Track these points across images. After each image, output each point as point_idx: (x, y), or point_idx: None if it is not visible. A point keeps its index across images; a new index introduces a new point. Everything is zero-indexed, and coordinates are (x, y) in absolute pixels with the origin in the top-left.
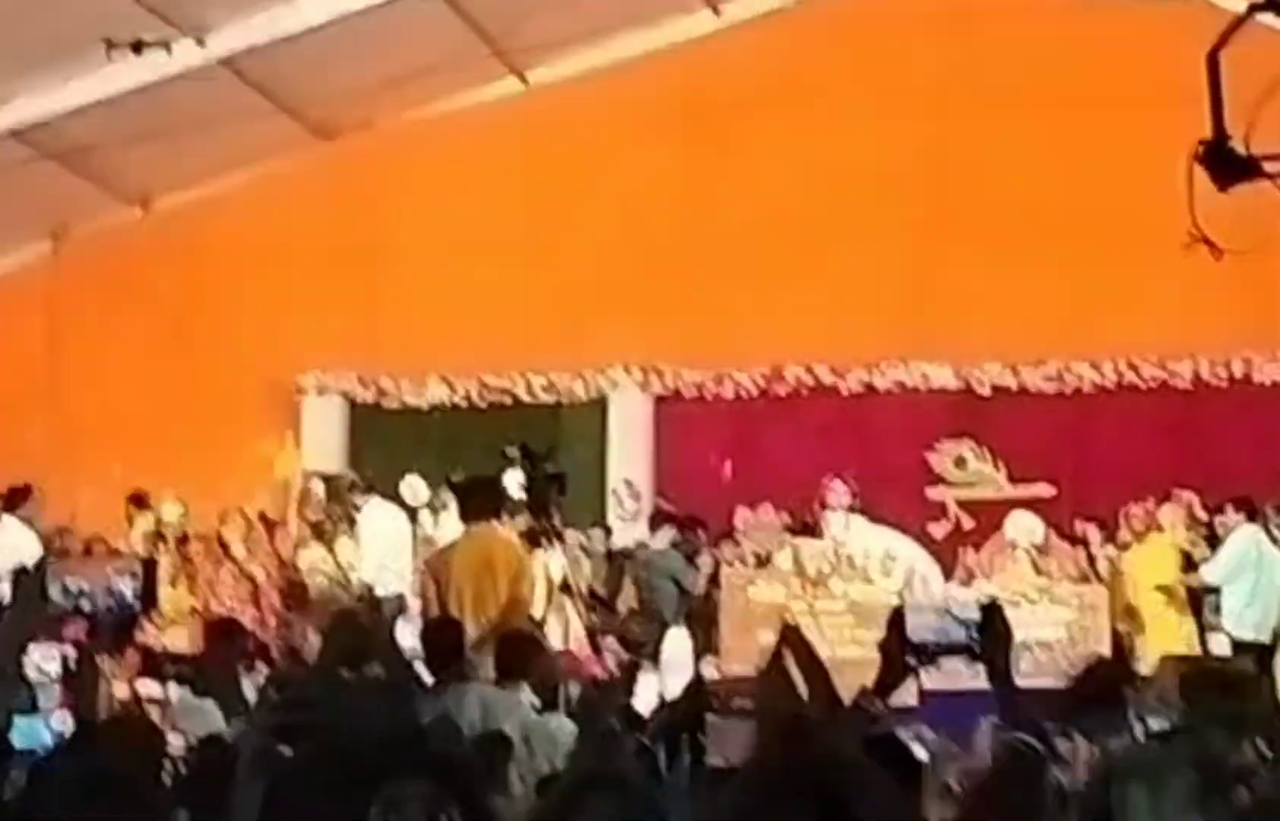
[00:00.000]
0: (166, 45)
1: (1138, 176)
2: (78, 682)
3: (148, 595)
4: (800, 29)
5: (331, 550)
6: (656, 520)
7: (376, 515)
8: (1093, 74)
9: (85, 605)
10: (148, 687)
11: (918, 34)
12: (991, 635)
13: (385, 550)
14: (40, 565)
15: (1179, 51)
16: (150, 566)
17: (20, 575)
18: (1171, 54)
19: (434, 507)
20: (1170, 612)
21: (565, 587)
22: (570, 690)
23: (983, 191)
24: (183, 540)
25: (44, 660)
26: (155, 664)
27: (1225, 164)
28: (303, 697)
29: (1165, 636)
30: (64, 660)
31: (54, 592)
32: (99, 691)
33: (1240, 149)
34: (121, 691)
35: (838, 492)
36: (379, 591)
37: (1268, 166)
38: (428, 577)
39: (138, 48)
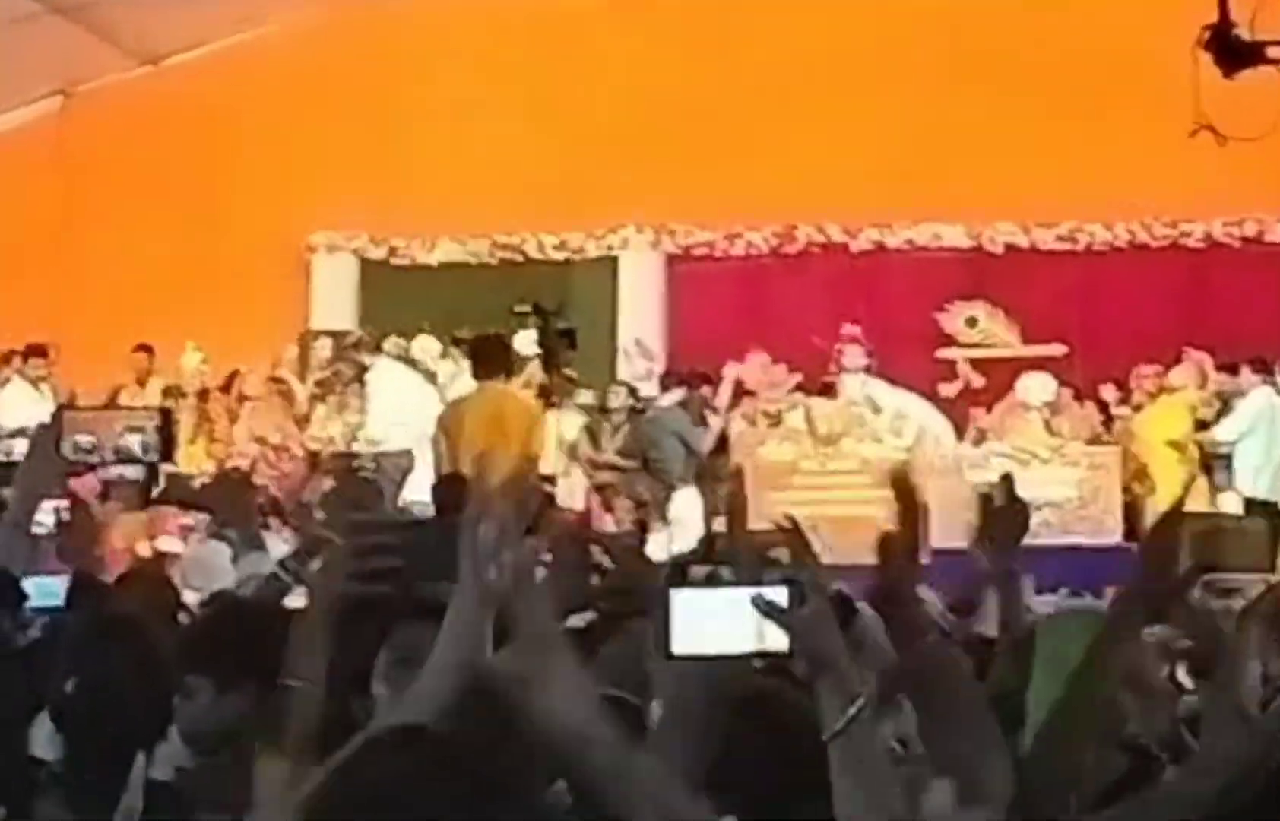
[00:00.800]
0: None
1: (1153, 35)
2: (74, 536)
3: (165, 448)
4: None
5: (339, 409)
6: (667, 380)
7: (384, 373)
8: None
9: (97, 459)
10: (167, 543)
11: None
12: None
13: (393, 408)
14: (55, 420)
15: None
16: (167, 418)
17: (38, 431)
18: None
19: (445, 363)
20: (1182, 472)
21: (578, 445)
22: None
23: (996, 50)
24: (202, 394)
25: (42, 514)
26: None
27: (1230, 50)
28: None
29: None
30: (57, 512)
31: (67, 448)
32: (98, 546)
33: (1245, 35)
34: (143, 549)
35: (852, 354)
36: (386, 449)
37: (1271, 52)
38: (439, 433)
39: None
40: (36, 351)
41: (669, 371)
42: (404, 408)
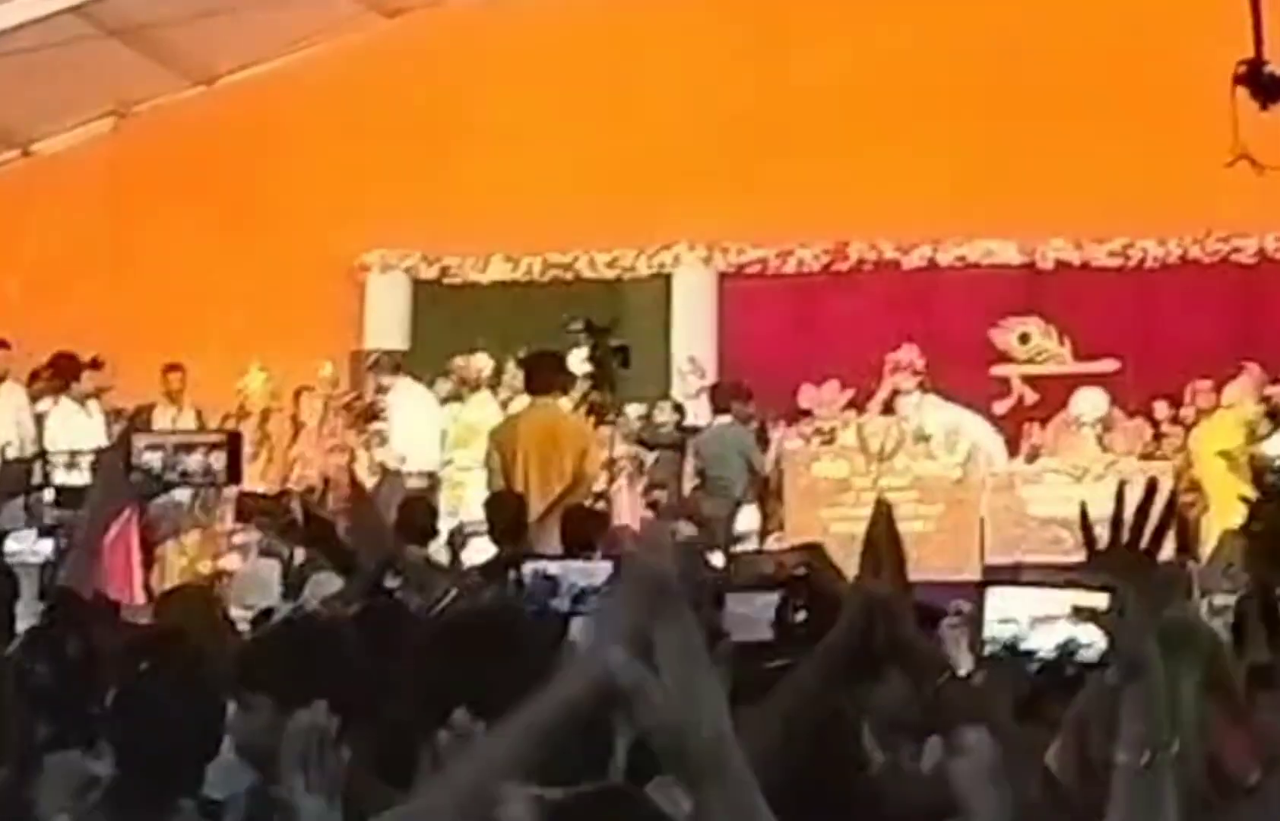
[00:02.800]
0: None
1: (1204, 52)
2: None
3: (233, 471)
4: None
5: (364, 430)
6: (718, 395)
7: (405, 395)
8: None
9: (165, 482)
10: (228, 562)
11: None
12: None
13: (414, 429)
14: (123, 440)
15: None
16: (236, 441)
17: (100, 453)
18: None
19: (493, 385)
20: (1237, 488)
21: (631, 462)
22: None
23: (1048, 66)
24: (264, 415)
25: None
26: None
27: (1265, 85)
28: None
29: (1231, 512)
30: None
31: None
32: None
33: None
34: (205, 568)
35: (905, 372)
36: (407, 469)
37: None
38: (492, 450)
39: None
40: (93, 365)
41: (716, 387)
42: (423, 428)
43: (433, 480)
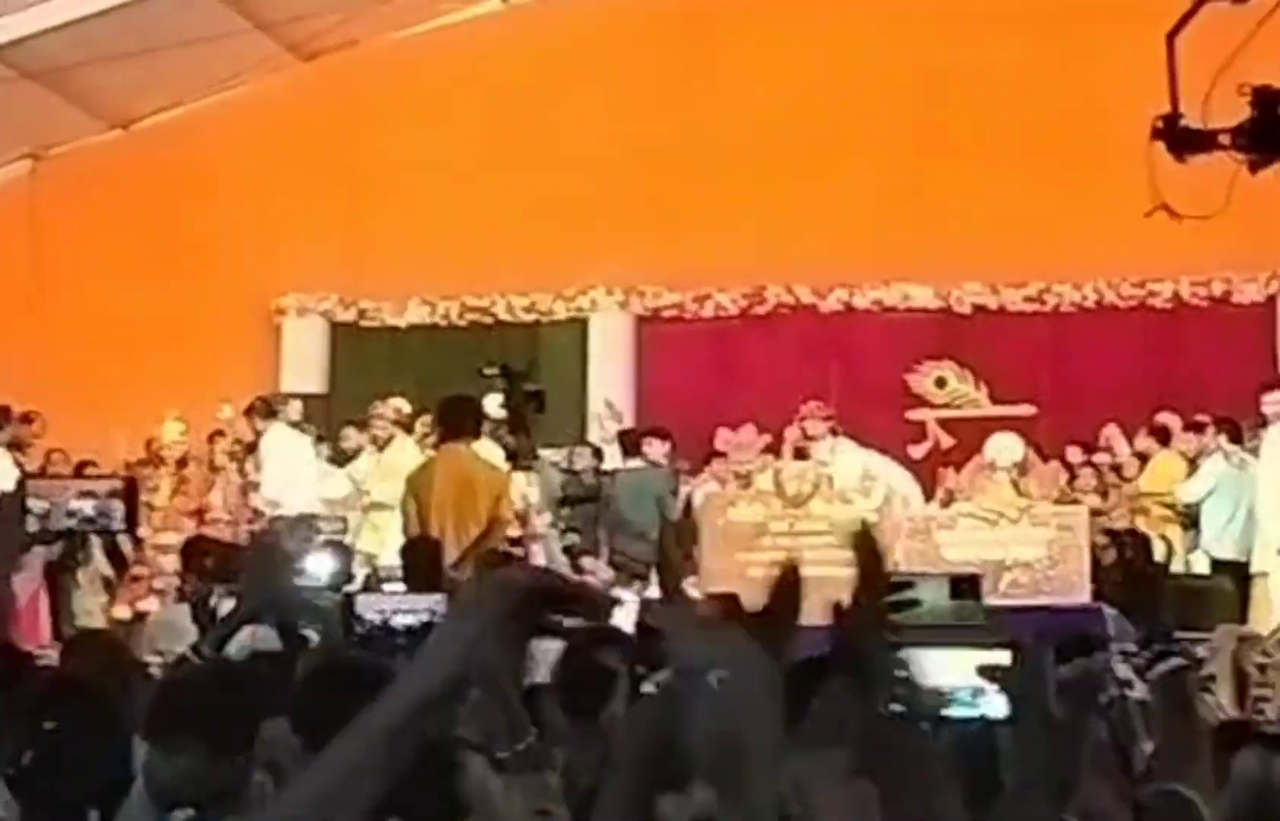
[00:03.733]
0: None
1: (1118, 94)
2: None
3: (130, 516)
4: None
5: (241, 473)
6: (628, 439)
7: (277, 437)
8: None
9: (61, 526)
10: (148, 605)
11: None
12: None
13: (285, 471)
14: (19, 487)
15: None
16: (132, 486)
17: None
18: None
19: (410, 428)
20: (1175, 530)
21: (549, 506)
22: None
23: (964, 110)
24: (182, 461)
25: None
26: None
27: (1180, 138)
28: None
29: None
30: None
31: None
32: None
33: (1194, 123)
34: (122, 612)
35: (814, 424)
36: (282, 512)
37: (1221, 138)
38: (408, 495)
39: None
40: (20, 417)
41: (627, 432)
42: (295, 472)
43: (345, 525)
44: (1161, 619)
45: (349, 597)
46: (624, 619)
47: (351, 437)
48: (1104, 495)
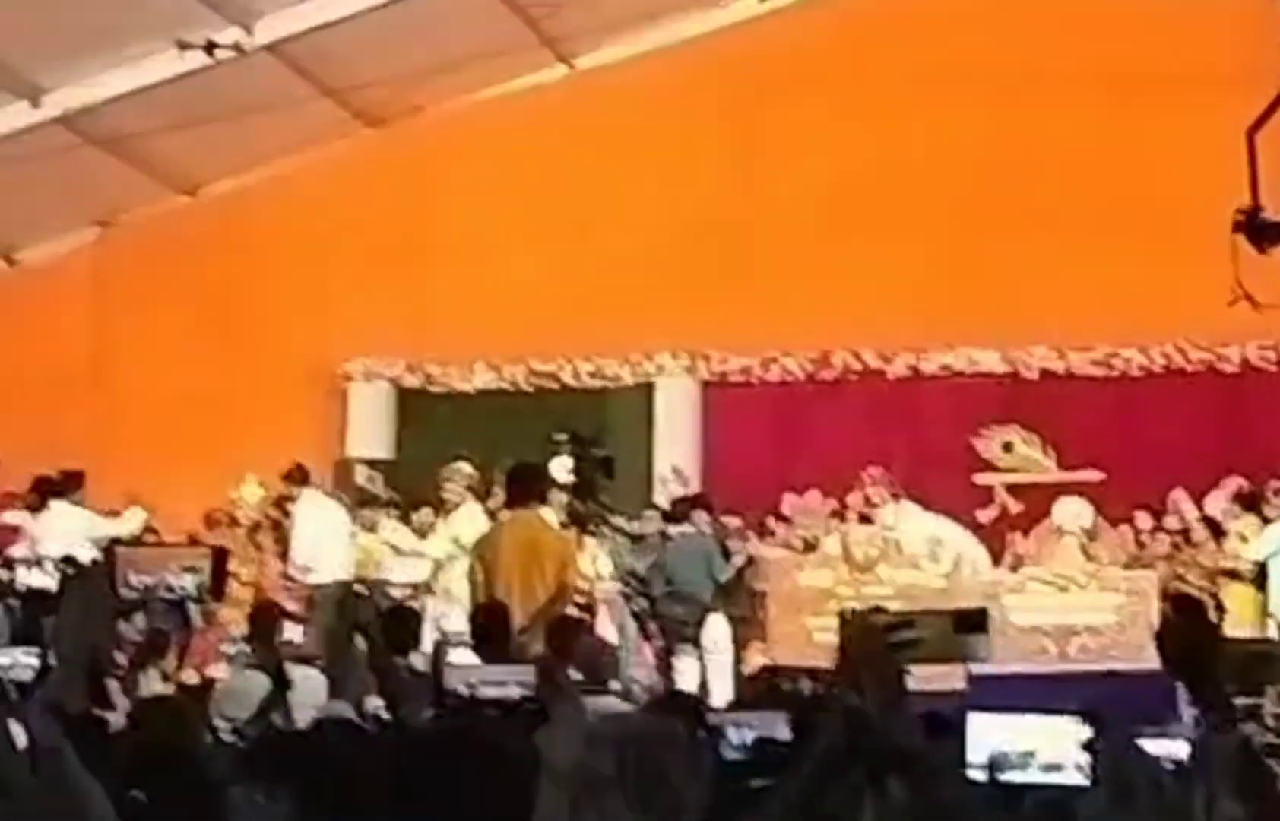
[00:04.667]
0: (238, 47)
1: (1186, 159)
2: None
3: (216, 585)
4: (847, 10)
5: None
6: (677, 506)
7: (308, 506)
8: (1143, 55)
9: (148, 598)
10: (218, 671)
11: (965, 15)
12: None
13: (316, 539)
14: (108, 558)
15: (1232, 33)
16: (221, 557)
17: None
18: (1224, 36)
19: (479, 494)
20: (1249, 592)
21: (617, 572)
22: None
23: (1031, 175)
24: (255, 526)
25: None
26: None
27: (1262, 231)
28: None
29: (1241, 616)
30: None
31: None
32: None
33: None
34: (189, 677)
35: (876, 490)
36: (311, 580)
37: None
38: (475, 563)
39: (210, 49)
40: (73, 479)
41: (681, 499)
42: (326, 539)
43: (417, 590)
44: (1218, 684)
45: (437, 670)
46: (687, 681)
47: (426, 514)
48: (1171, 560)
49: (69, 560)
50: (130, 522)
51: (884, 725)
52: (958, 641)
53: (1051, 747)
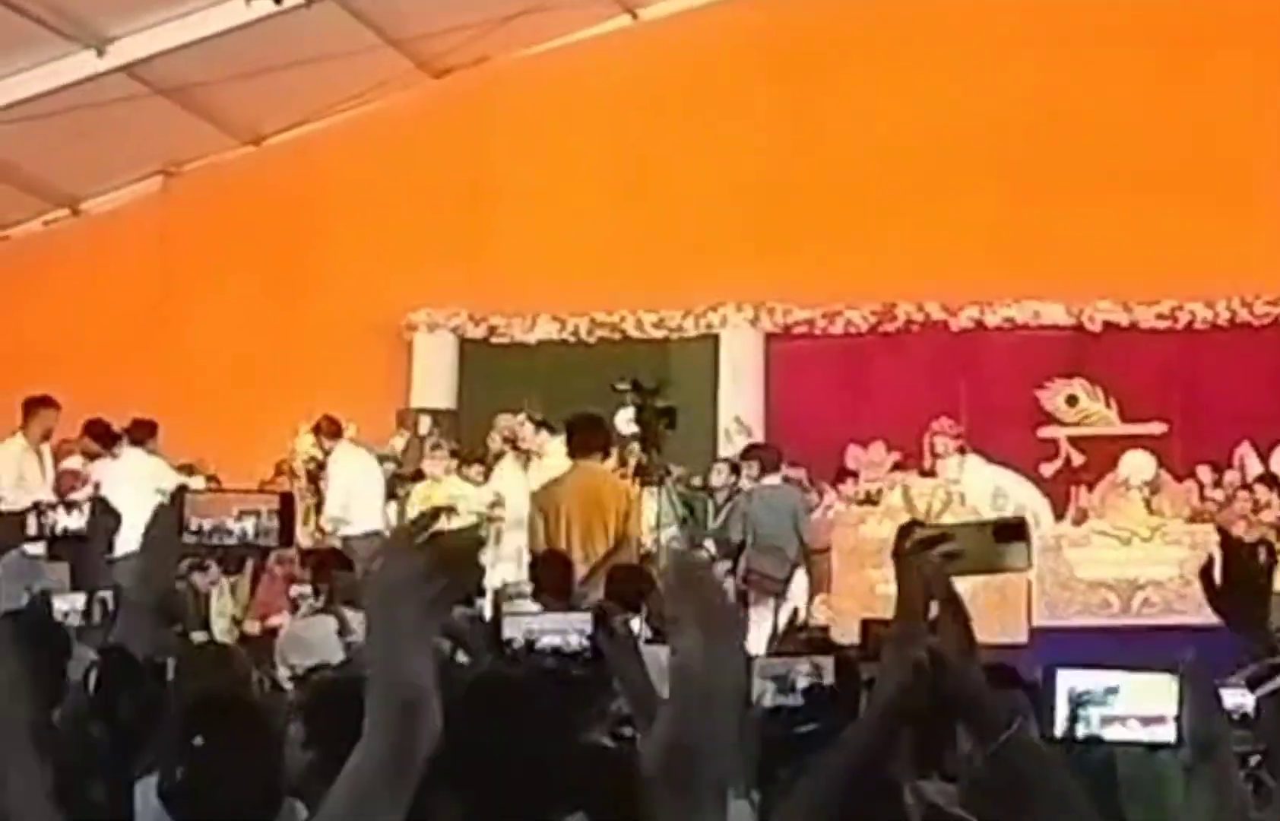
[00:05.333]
0: None
1: (1252, 113)
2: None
3: (285, 530)
4: None
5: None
6: (765, 456)
7: (344, 457)
8: (1207, 10)
9: (216, 542)
10: (280, 621)
11: None
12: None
13: (351, 490)
14: (176, 500)
15: None
16: (288, 502)
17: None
18: None
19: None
20: None
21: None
22: None
23: (1095, 128)
24: (313, 476)
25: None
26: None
27: None
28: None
29: None
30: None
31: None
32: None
33: None
34: (251, 626)
35: (942, 442)
36: (345, 530)
37: None
38: (535, 512)
39: None
40: (145, 427)
41: (765, 448)
42: (360, 491)
43: (380, 540)
44: (1267, 629)
45: (495, 616)
46: (758, 639)
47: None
48: (1229, 511)
49: (102, 502)
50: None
51: (961, 671)
52: (997, 550)
53: (1143, 703)
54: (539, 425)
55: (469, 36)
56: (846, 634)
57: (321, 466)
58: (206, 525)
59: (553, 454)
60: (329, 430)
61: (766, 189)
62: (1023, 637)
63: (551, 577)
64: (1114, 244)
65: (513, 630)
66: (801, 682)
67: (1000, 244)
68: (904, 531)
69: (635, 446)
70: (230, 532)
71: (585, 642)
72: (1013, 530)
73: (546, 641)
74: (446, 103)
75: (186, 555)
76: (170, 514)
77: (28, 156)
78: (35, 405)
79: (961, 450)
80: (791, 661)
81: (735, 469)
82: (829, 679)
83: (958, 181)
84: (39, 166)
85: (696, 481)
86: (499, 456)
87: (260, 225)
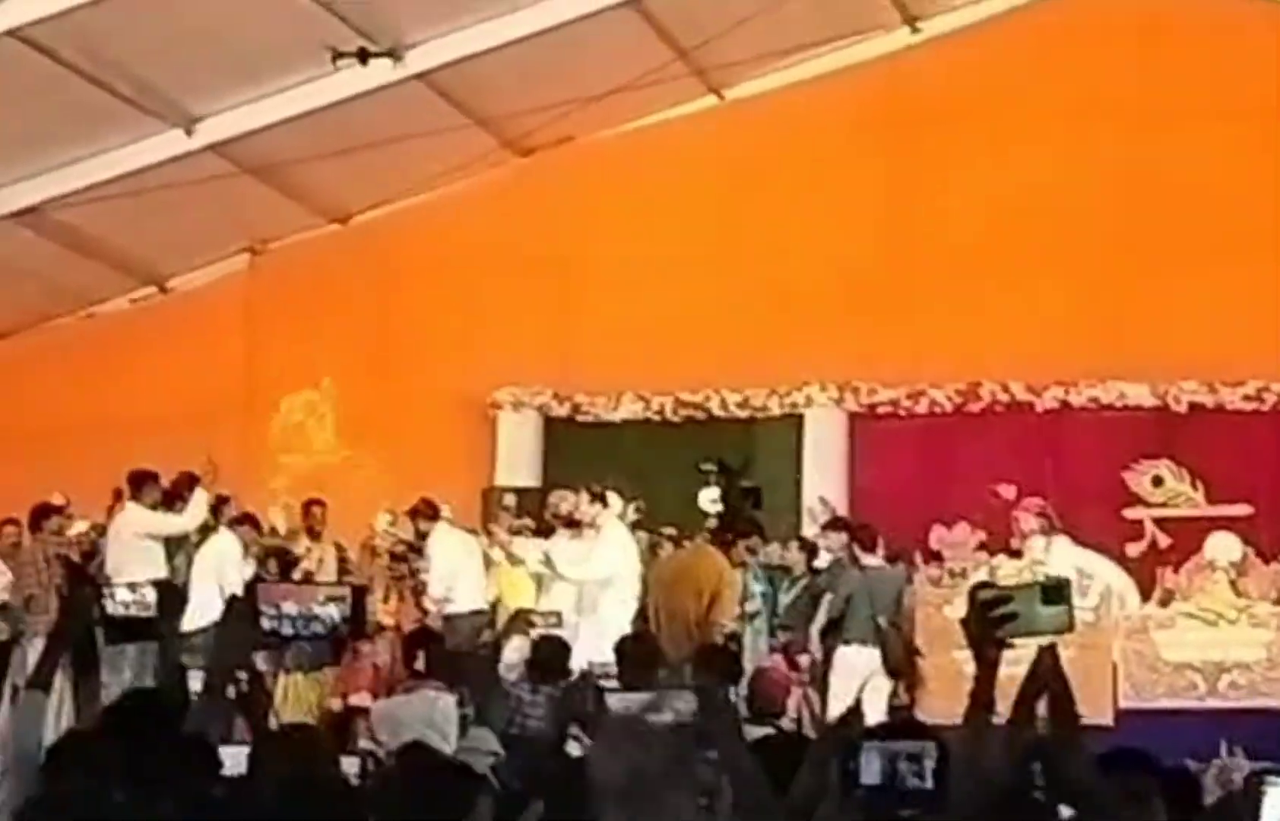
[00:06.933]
0: (391, 53)
1: None
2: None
3: (356, 623)
4: (996, 44)
5: (410, 574)
6: (864, 534)
7: (444, 537)
8: None
9: (290, 631)
10: (360, 700)
11: (1114, 48)
12: None
13: (454, 570)
14: (250, 591)
15: None
16: (360, 594)
17: (233, 601)
18: None
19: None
20: None
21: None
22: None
23: (1181, 208)
24: (395, 555)
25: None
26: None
27: None
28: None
29: None
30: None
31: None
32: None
33: None
34: (335, 704)
35: (1027, 520)
36: (449, 609)
37: None
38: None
39: (363, 58)
40: (221, 502)
41: (864, 527)
42: (463, 568)
43: (559, 620)
44: None
45: (600, 693)
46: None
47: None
48: None
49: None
50: (196, 510)
51: (1066, 758)
52: (1040, 613)
53: None
54: (595, 497)
55: (554, 116)
56: (930, 714)
57: (413, 547)
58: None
59: (610, 525)
60: (426, 512)
61: (850, 269)
62: (1108, 719)
63: (638, 656)
64: (1199, 323)
65: (616, 705)
66: (904, 764)
67: (1085, 324)
68: (974, 592)
69: (720, 525)
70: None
71: (683, 720)
72: (1055, 592)
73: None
74: (532, 181)
75: (259, 645)
76: (245, 606)
77: (116, 234)
78: (143, 479)
79: (1048, 530)
80: (897, 743)
81: (812, 550)
82: (931, 762)
83: (1042, 263)
84: (127, 244)
85: (776, 560)
86: (551, 531)
87: (346, 303)
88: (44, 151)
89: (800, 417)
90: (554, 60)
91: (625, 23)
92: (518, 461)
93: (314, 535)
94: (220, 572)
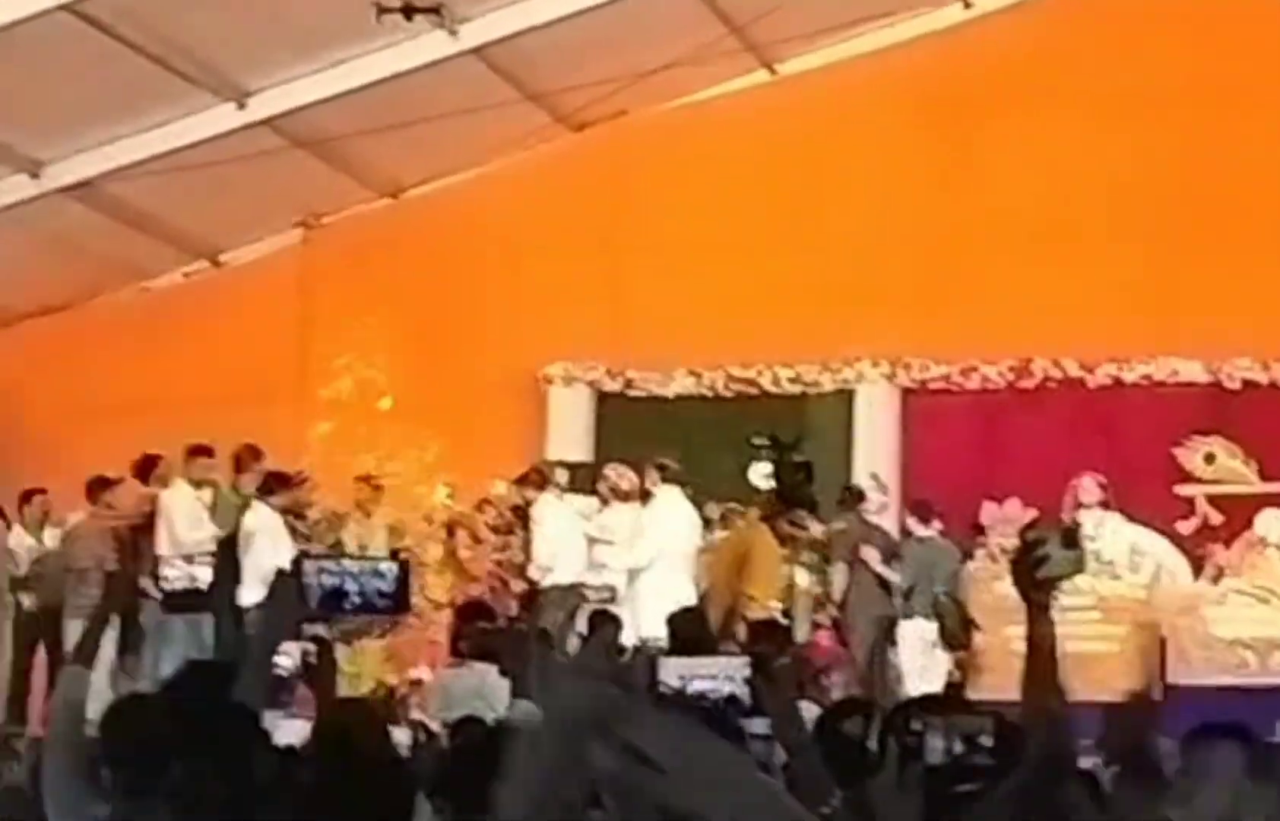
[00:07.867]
0: (437, 9)
1: None
2: (317, 677)
3: (402, 597)
4: (1048, 20)
5: (507, 546)
6: (922, 508)
7: (547, 509)
8: None
9: (337, 604)
10: (418, 672)
11: (1166, 25)
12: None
13: (556, 542)
14: (296, 567)
15: None
16: (405, 568)
17: (279, 576)
18: None
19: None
20: None
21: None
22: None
23: (1234, 185)
24: (449, 529)
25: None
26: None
27: None
28: None
29: None
30: (303, 655)
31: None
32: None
33: None
34: (392, 678)
35: (1088, 490)
36: (548, 582)
37: None
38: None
39: (408, 13)
40: (280, 479)
41: (922, 502)
42: (566, 541)
43: (613, 595)
44: None
45: (652, 661)
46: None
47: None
48: None
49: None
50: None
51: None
52: (1062, 558)
53: None
54: (659, 469)
55: (608, 90)
56: (982, 691)
57: (518, 512)
58: (331, 583)
59: (670, 499)
60: (535, 481)
61: (903, 245)
62: (1157, 695)
63: (687, 632)
64: (1253, 300)
65: (667, 673)
66: (963, 742)
67: (1138, 300)
68: (1022, 532)
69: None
70: (362, 597)
71: (739, 689)
72: (1071, 536)
73: (698, 685)
74: (585, 156)
75: (305, 620)
76: (290, 581)
77: (169, 208)
78: (198, 453)
79: (1105, 506)
80: (954, 719)
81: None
82: (988, 739)
83: (1095, 240)
84: (180, 218)
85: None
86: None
87: (398, 277)
88: (97, 126)
89: (852, 393)
90: (607, 35)
91: None
92: (569, 436)
93: (366, 510)
94: (267, 547)
